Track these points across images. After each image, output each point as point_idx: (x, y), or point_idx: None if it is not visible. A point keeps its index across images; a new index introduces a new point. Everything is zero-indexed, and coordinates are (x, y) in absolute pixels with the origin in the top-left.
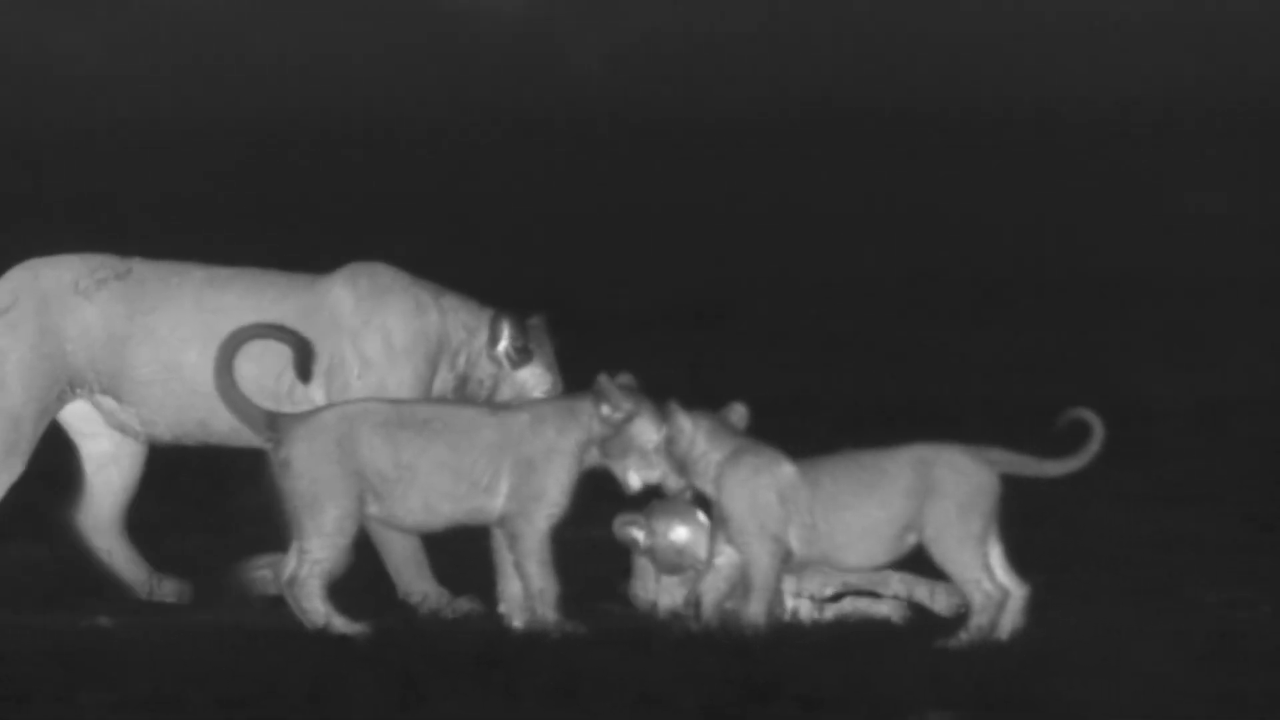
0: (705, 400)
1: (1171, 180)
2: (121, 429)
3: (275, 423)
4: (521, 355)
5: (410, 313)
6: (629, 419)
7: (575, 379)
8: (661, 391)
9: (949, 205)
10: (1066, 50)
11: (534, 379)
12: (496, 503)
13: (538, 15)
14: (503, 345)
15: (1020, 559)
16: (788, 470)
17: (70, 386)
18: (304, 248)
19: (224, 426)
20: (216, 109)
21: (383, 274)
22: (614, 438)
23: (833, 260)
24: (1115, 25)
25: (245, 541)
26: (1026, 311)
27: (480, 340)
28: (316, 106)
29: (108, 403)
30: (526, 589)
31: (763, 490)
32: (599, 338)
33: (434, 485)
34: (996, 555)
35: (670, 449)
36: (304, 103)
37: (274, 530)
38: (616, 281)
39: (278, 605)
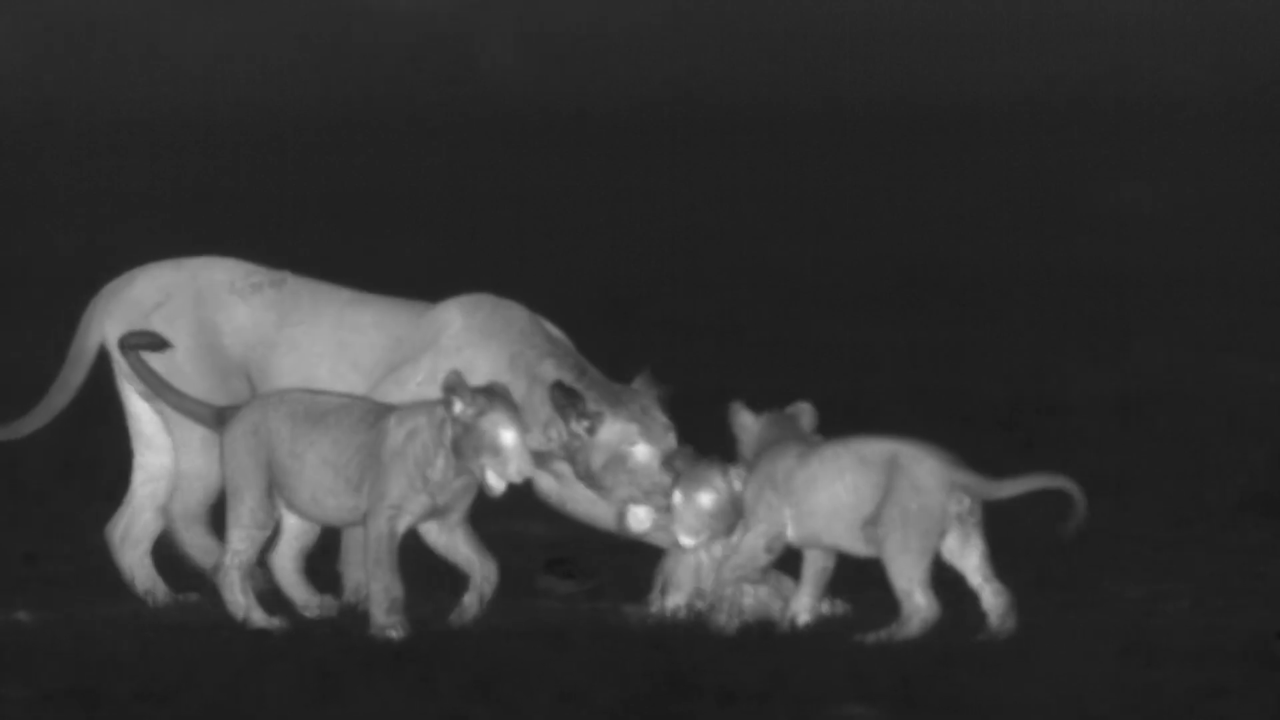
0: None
1: (1090, 174)
2: None
3: (223, 415)
4: (593, 420)
5: (500, 366)
6: (480, 414)
7: None
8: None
9: (866, 198)
10: (986, 45)
11: (618, 435)
12: (365, 502)
13: (449, 11)
14: (572, 423)
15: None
16: (783, 461)
17: (240, 380)
18: (213, 243)
19: None
20: (127, 106)
21: (502, 313)
22: (466, 436)
23: (749, 252)
24: (1034, 21)
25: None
26: (944, 303)
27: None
28: (228, 103)
29: None
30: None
31: (757, 482)
32: None
33: (319, 480)
34: (974, 561)
35: (739, 449)
36: (215, 100)
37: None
38: (531, 273)
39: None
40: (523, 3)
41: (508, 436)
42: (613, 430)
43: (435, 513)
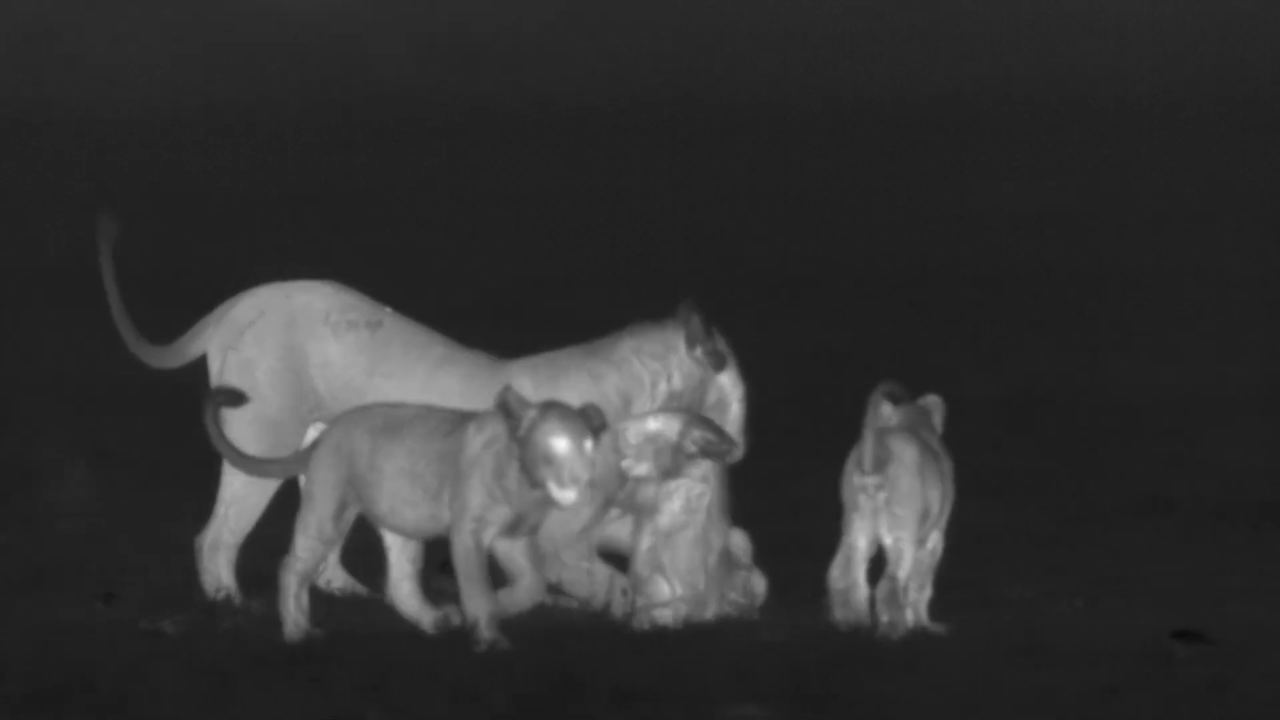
0: None
1: (979, 173)
2: None
3: (307, 453)
4: (716, 358)
5: (587, 389)
6: (533, 427)
7: None
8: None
9: (755, 197)
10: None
11: (731, 385)
12: (446, 512)
13: (343, 11)
14: (698, 349)
15: (829, 553)
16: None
17: (313, 409)
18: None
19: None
20: (23, 104)
21: (560, 358)
22: (524, 450)
23: (635, 253)
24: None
25: (56, 538)
26: (833, 302)
27: (679, 353)
28: (128, 102)
29: None
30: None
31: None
32: None
33: (396, 490)
34: (877, 538)
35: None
36: (113, 99)
37: (83, 526)
38: (421, 276)
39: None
40: (414, 4)
41: (559, 444)
42: (730, 378)
43: (518, 526)
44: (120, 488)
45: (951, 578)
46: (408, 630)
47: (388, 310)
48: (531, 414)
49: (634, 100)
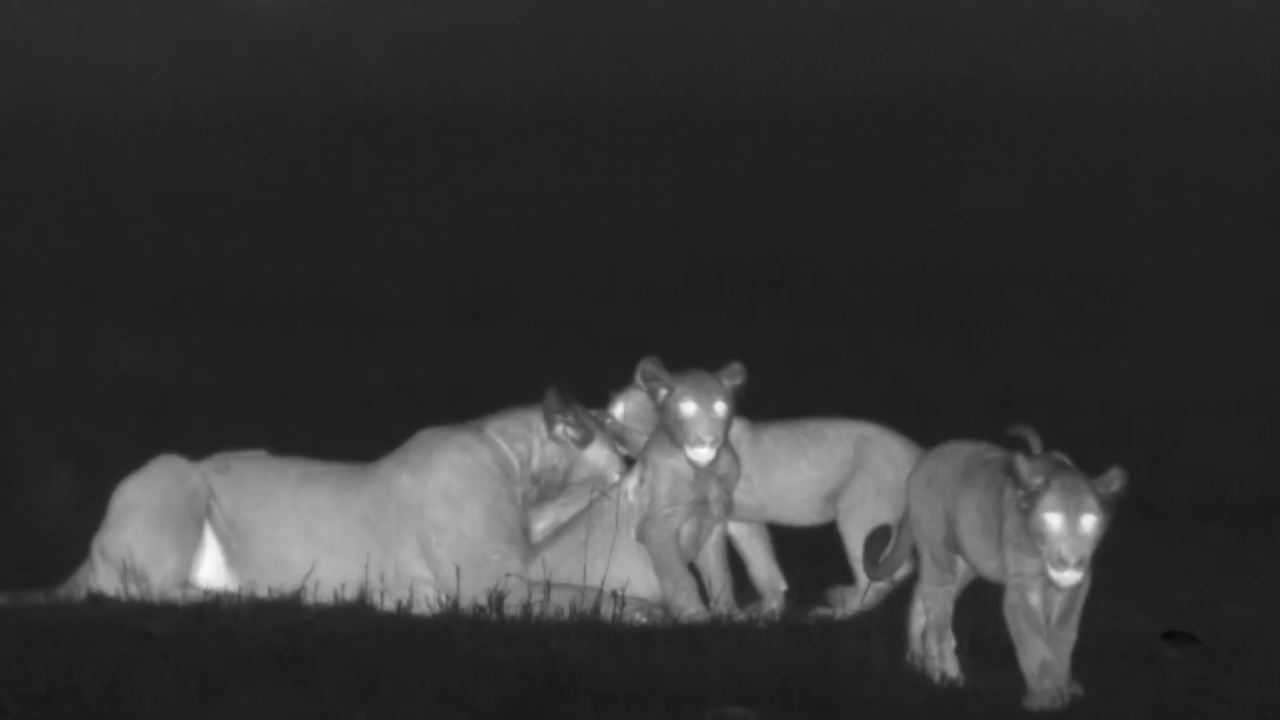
0: (484, 395)
1: (979, 173)
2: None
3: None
4: (582, 433)
5: (457, 460)
6: (1032, 498)
7: (350, 377)
8: (438, 388)
9: (724, 197)
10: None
11: (604, 458)
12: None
13: (343, 11)
14: (558, 428)
15: (812, 555)
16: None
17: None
18: (84, 245)
19: None
20: (20, 104)
21: (427, 438)
22: (1026, 519)
23: (606, 254)
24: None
25: (41, 538)
26: (809, 303)
27: (539, 435)
28: (128, 102)
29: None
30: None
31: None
32: (375, 336)
33: (973, 544)
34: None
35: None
36: (113, 99)
37: (70, 526)
38: (421, 276)
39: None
40: (393, 5)
41: (1053, 522)
42: (599, 451)
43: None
44: (105, 489)
45: None
46: (395, 631)
47: (230, 457)
48: (1039, 481)
49: (634, 100)
